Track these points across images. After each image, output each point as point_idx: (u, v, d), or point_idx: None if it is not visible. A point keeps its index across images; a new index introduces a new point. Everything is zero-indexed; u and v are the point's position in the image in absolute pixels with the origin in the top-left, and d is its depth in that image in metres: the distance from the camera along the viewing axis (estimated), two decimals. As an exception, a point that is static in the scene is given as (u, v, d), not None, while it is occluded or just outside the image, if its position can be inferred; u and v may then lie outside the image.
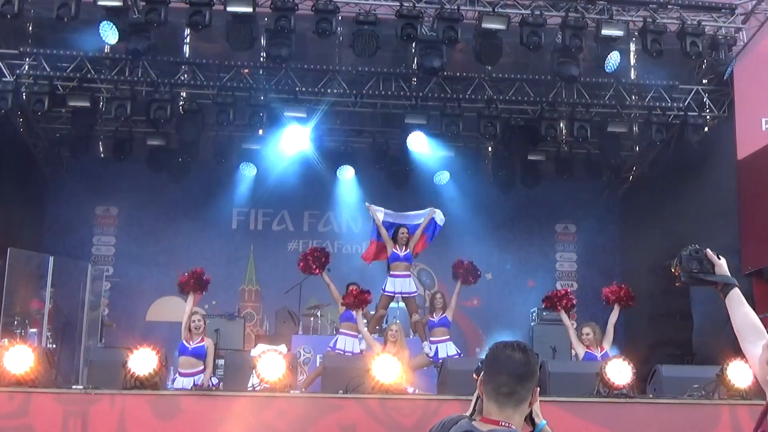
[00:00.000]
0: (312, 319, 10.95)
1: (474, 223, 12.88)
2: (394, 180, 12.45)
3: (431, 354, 8.37)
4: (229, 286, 12.72)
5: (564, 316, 8.30)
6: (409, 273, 8.91)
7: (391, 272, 8.82)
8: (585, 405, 6.43)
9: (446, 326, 8.60)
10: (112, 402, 6.08)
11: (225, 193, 12.68)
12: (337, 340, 8.48)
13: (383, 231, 8.92)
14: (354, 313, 7.91)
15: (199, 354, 7.50)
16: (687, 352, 10.45)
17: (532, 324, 10.79)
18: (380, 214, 8.99)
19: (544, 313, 10.31)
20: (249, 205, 13.06)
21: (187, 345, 7.53)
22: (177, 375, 7.50)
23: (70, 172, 12.15)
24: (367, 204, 9.11)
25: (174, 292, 11.90)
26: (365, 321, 8.50)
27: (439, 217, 9.12)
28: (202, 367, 7.47)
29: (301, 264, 8.44)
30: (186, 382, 7.28)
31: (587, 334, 7.87)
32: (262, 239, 13.04)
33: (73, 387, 6.42)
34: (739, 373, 6.60)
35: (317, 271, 8.41)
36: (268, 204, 13.03)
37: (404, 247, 8.87)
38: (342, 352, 8.27)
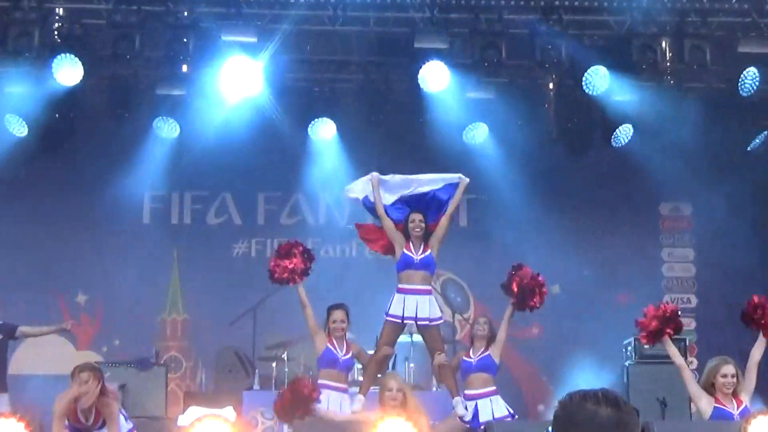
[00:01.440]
0: (274, 364, 10.97)
1: (528, 206, 12.78)
2: (398, 140, 12.31)
3: (467, 417, 8.36)
4: (140, 315, 12.67)
5: (672, 348, 8.22)
6: (429, 287, 8.78)
7: (400, 286, 8.71)
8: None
9: (490, 371, 8.52)
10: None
11: (130, 167, 12.54)
12: (314, 396, 8.37)
13: (387, 222, 8.80)
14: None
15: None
16: None
17: (626, 363, 10.83)
18: (388, 192, 8.90)
19: (645, 347, 10.18)
20: (169, 186, 13.02)
21: (78, 427, 7.53)
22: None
23: None
24: (372, 176, 8.96)
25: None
26: (359, 366, 8.43)
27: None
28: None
29: (294, 262, 8.33)
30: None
31: (730, 376, 7.75)
32: (192, 239, 13.06)
33: None
34: None
35: (299, 279, 8.41)
36: (200, 183, 12.98)
37: (421, 246, 8.71)
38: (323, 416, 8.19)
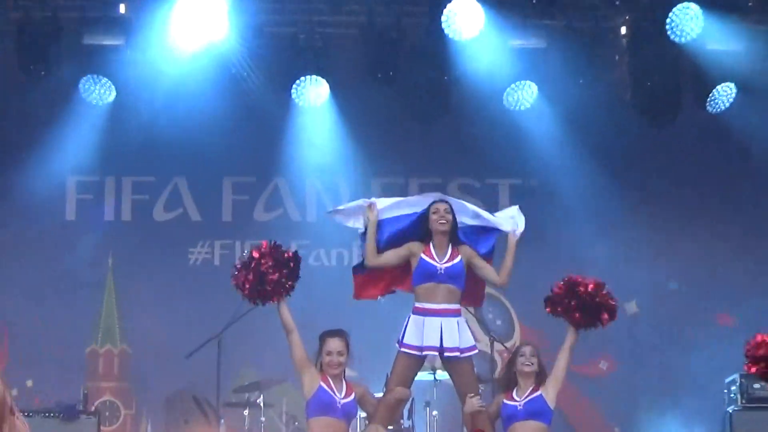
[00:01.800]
0: (246, 412, 11.07)
1: (593, 195, 12.89)
2: (414, 106, 12.40)
3: (511, 481, 8.36)
4: (62, 345, 12.66)
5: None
6: (457, 306, 8.67)
7: (417, 304, 8.63)
8: None
9: (542, 418, 8.40)
10: None
11: (48, 143, 12.59)
12: (303, 457, 8.40)
13: (384, 259, 8.59)
14: None
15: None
16: None
17: (729, 408, 10.98)
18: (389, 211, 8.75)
19: (756, 386, 10.44)
20: (102, 169, 13.06)
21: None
22: None
23: None
24: (368, 202, 8.83)
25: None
26: (363, 414, 8.38)
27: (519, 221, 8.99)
28: None
29: (249, 279, 8.17)
30: None
31: None
32: (133, 242, 13.08)
33: None
34: None
35: (280, 294, 8.22)
36: (144, 165, 13.01)
37: (448, 249, 8.63)
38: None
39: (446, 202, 8.75)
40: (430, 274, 8.58)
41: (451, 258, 8.60)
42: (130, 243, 13.08)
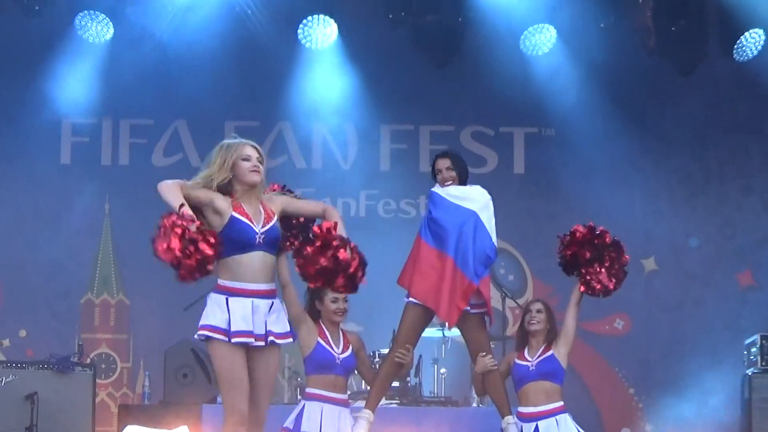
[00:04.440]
0: None
1: (612, 146, 12.89)
2: (426, 49, 12.37)
3: (521, 444, 8.41)
4: (56, 295, 12.75)
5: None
6: None
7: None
8: None
9: (555, 378, 8.47)
10: None
11: (42, 83, 12.59)
12: (302, 412, 8.20)
13: None
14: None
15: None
16: None
17: (749, 371, 10.95)
18: None
19: None
20: (98, 111, 13.01)
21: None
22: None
23: None
24: None
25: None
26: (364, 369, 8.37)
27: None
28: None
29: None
30: None
31: None
32: (131, 188, 12.96)
33: None
34: None
35: (294, 244, 8.00)
36: (143, 107, 12.97)
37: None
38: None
39: (450, 157, 8.61)
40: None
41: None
42: (127, 189, 12.98)
